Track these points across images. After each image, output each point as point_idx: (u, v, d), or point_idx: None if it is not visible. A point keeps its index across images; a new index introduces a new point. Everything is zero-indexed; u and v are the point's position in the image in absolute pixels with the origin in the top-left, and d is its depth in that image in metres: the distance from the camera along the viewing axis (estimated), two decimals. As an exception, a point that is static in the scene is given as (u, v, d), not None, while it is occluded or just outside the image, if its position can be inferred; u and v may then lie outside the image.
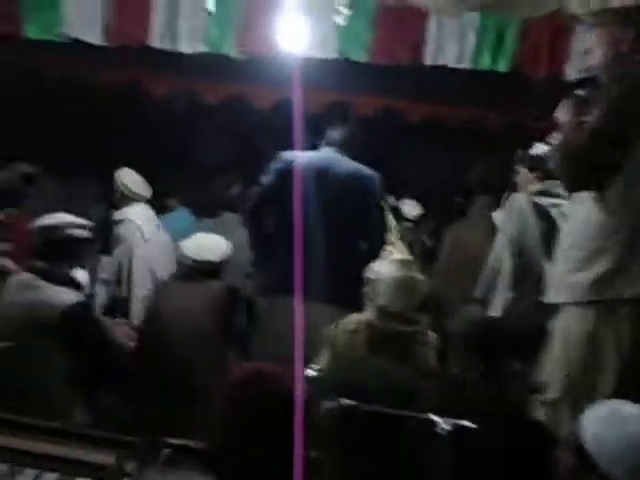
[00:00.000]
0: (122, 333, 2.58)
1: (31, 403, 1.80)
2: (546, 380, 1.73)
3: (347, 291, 2.12)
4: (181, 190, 3.87)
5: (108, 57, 3.53)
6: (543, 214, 2.33)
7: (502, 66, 2.78)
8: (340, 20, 2.56)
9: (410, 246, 3.15)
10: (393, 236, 2.79)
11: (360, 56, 2.79)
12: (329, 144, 2.53)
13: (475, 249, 3.09)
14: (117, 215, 3.06)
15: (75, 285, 2.07)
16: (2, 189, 3.20)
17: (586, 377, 1.66)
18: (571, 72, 2.72)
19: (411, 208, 4.07)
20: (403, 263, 1.96)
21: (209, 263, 2.31)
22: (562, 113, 1.76)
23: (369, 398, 1.41)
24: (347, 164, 2.49)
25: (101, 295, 3.08)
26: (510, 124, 4.45)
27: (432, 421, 1.32)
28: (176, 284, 2.37)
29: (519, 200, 2.39)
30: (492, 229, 2.81)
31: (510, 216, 2.40)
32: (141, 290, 2.93)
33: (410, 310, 1.90)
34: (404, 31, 2.78)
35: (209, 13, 2.67)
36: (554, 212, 2.33)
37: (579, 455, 1.28)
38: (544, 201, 2.36)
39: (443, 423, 1.31)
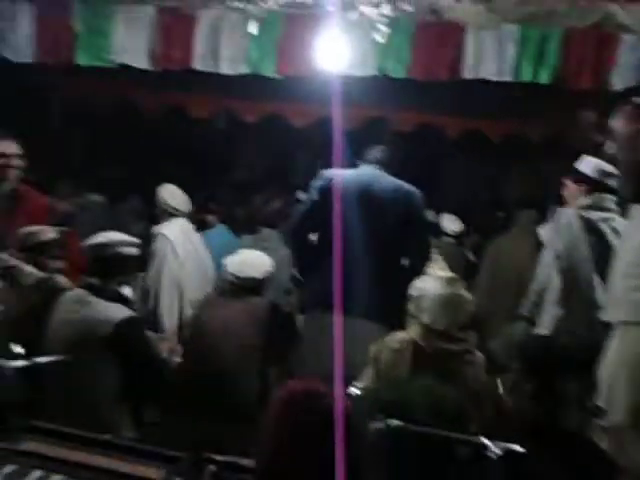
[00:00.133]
0: (165, 348, 2.63)
1: (80, 416, 1.85)
2: (604, 403, 1.65)
3: (390, 308, 2.10)
4: (221, 206, 3.95)
5: (152, 80, 3.67)
6: (593, 229, 2.26)
7: (544, 78, 2.74)
8: (380, 38, 2.58)
9: (451, 262, 3.10)
10: (433, 252, 2.75)
11: (399, 72, 2.80)
12: (369, 162, 2.54)
13: (519, 265, 3.01)
14: (154, 230, 3.13)
15: (124, 300, 2.13)
16: (69, 214, 3.38)
17: None
18: (617, 82, 2.65)
19: (451, 223, 4.00)
20: (449, 280, 1.93)
21: (252, 280, 2.33)
22: (618, 121, 1.70)
23: (415, 419, 1.39)
24: (388, 181, 2.49)
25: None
26: (553, 136, 4.34)
27: (482, 444, 1.28)
28: (220, 300, 2.40)
29: (567, 215, 2.32)
30: (537, 244, 2.74)
31: (558, 231, 2.33)
32: (167, 305, 2.96)
33: (456, 328, 1.86)
34: (442, 47, 2.78)
35: (251, 36, 2.74)
36: (604, 227, 2.25)
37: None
38: (593, 215, 2.28)
39: (494, 447, 1.27)
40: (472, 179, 5.05)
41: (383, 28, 2.56)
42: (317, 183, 2.47)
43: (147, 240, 3.20)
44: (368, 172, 2.50)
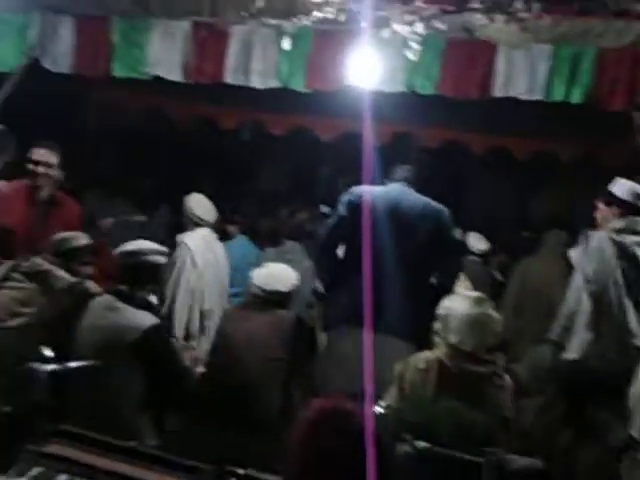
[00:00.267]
0: (189, 358, 2.65)
1: (104, 421, 1.86)
2: (638, 433, 1.60)
3: (418, 326, 2.08)
4: (245, 218, 3.98)
5: (185, 92, 3.75)
6: (625, 253, 2.21)
7: (576, 97, 2.71)
8: (411, 55, 2.58)
9: (476, 281, 3.05)
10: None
11: (428, 89, 2.80)
12: (396, 180, 2.54)
13: (548, 287, 2.96)
14: (178, 238, 3.16)
15: (151, 308, 2.15)
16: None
17: None
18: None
19: (477, 242, 3.95)
20: (477, 299, 1.90)
21: (278, 293, 2.33)
22: None
23: (440, 441, 1.36)
24: (416, 198, 2.49)
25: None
26: (584, 156, 4.28)
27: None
28: (245, 312, 2.41)
29: (599, 238, 2.28)
30: (567, 267, 2.69)
31: (589, 254, 2.29)
32: (180, 313, 2.98)
33: (483, 350, 1.83)
34: (473, 64, 2.77)
35: (281, 51, 2.78)
36: (638, 250, 2.21)
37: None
38: (626, 239, 2.24)
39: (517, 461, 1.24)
40: (498, 197, 4.99)
41: (415, 46, 2.57)
42: (346, 198, 2.48)
43: (172, 248, 3.24)
44: (397, 189, 2.50)
